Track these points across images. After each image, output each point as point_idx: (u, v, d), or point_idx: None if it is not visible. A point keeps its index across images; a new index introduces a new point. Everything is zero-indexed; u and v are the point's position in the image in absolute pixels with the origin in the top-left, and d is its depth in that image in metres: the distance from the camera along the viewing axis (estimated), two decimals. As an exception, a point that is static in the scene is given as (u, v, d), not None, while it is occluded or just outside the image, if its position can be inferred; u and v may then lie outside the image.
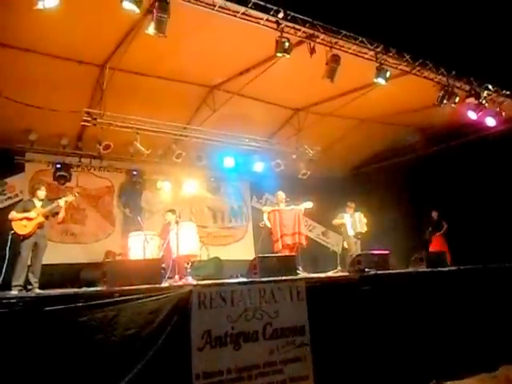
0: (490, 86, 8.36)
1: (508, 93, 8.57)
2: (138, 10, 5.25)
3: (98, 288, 5.12)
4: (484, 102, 8.30)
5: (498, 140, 8.96)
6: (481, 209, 9.14)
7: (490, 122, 8.81)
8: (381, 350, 5.11)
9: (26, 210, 6.32)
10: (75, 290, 5.81)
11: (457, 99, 7.92)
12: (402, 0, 7.11)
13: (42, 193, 6.58)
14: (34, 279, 6.10)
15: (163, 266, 6.08)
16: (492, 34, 7.64)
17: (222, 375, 4.22)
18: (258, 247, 8.05)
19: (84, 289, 5.99)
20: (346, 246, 9.14)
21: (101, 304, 3.88)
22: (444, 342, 5.61)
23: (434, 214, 10.12)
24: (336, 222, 9.16)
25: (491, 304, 6.22)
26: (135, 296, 4.05)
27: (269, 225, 7.73)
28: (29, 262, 6.21)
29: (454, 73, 7.85)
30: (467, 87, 8.17)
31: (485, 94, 8.33)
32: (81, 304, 3.79)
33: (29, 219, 6.24)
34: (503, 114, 8.73)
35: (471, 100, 8.21)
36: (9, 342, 3.44)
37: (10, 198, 9.09)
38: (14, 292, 5.71)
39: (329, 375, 4.70)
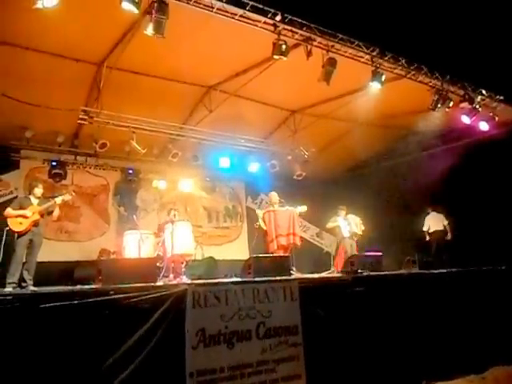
0: (484, 91, 8.47)
1: (501, 98, 8.69)
2: (136, 11, 5.30)
3: (94, 286, 5.14)
4: (478, 106, 8.40)
5: (490, 144, 9.07)
6: (473, 212, 9.24)
7: (483, 126, 8.92)
8: (372, 350, 5.17)
9: (22, 207, 6.31)
10: (70, 287, 5.82)
11: (451, 104, 8.02)
12: (398, 5, 7.19)
13: (39, 190, 6.58)
14: (28, 276, 6.09)
15: (158, 264, 6.13)
16: (486, 40, 7.75)
17: (215, 373, 4.26)
18: (252, 247, 8.09)
19: (79, 286, 6.00)
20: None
21: (96, 302, 3.91)
22: (434, 343, 5.68)
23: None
24: (330, 225, 9.24)
25: (482, 306, 6.31)
26: (130, 294, 4.08)
27: (264, 226, 7.76)
28: (23, 260, 6.20)
29: (448, 77, 7.95)
30: (461, 92, 8.27)
31: (478, 98, 8.44)
32: (76, 301, 3.82)
33: (24, 217, 6.23)
34: (496, 118, 8.85)
35: (465, 105, 8.32)
36: (4, 339, 3.47)
37: (4, 194, 9.07)
38: (9, 289, 5.71)
39: (321, 375, 4.75)
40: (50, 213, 6.54)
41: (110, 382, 3.76)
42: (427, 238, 9.93)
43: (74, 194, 7.14)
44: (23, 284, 6.01)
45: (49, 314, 3.68)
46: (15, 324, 3.54)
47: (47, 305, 3.67)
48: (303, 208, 7.88)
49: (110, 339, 3.87)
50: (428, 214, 10.07)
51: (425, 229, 9.97)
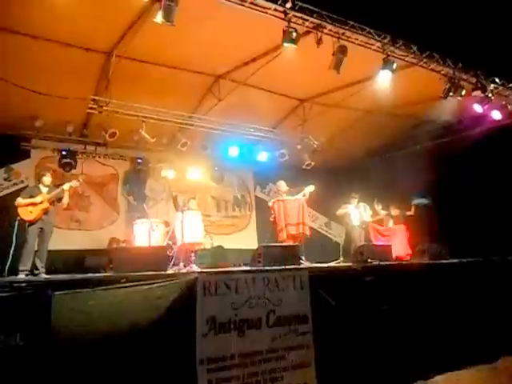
0: (497, 79, 8.34)
1: (514, 86, 8.55)
2: (146, -2, 5.26)
3: (106, 274, 5.19)
4: (490, 95, 8.27)
5: (502, 134, 8.95)
6: (482, 201, 9.16)
7: (496, 115, 8.79)
8: (382, 339, 5.18)
9: (32, 196, 6.38)
10: (83, 275, 5.88)
11: (463, 92, 7.90)
12: (410, -9, 7.07)
13: (47, 179, 6.64)
14: (40, 264, 6.18)
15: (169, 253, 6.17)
16: (499, 27, 7.60)
17: (225, 361, 4.29)
18: (265, 240, 8.12)
19: (91, 274, 6.06)
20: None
21: (108, 289, 3.95)
22: (445, 332, 5.67)
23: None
24: (340, 212, 9.19)
25: (492, 296, 6.27)
26: (142, 282, 4.11)
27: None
28: (35, 248, 6.28)
29: (460, 65, 7.83)
30: (474, 80, 8.13)
31: (491, 87, 8.30)
32: (89, 289, 3.86)
33: (34, 205, 6.30)
34: (509, 107, 8.71)
35: (477, 93, 8.18)
36: (17, 324, 3.52)
37: (15, 184, 9.16)
38: (22, 276, 5.79)
39: (331, 363, 4.77)
40: (59, 200, 6.59)
41: (122, 368, 3.80)
42: None
43: (81, 180, 7.18)
44: (35, 272, 6.10)
45: (62, 301, 3.72)
46: (29, 310, 3.59)
47: (61, 292, 3.70)
48: (311, 188, 7.85)
49: (120, 326, 3.91)
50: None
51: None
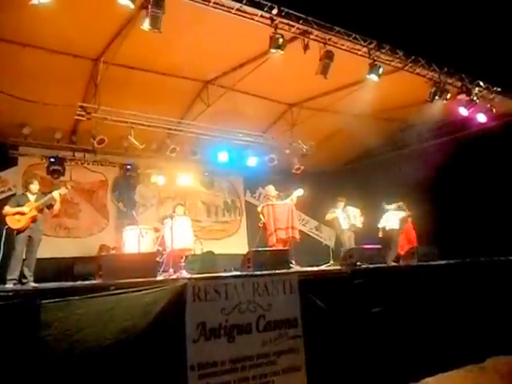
0: (482, 83, 8.47)
1: (499, 89, 8.69)
2: (132, 6, 5.28)
3: (95, 281, 5.17)
4: (475, 98, 8.40)
5: (488, 136, 9.08)
6: (470, 203, 9.27)
7: (481, 118, 8.92)
8: (372, 341, 5.21)
9: (19, 205, 6.31)
10: (71, 283, 5.85)
11: (448, 95, 8.03)
12: (395, -3, 7.17)
13: (34, 187, 6.57)
14: (28, 273, 6.10)
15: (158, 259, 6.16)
16: (484, 32, 7.73)
17: (216, 366, 4.30)
18: (255, 244, 8.13)
19: (79, 282, 6.02)
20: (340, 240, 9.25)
21: (97, 297, 3.93)
22: (434, 334, 5.73)
23: None
24: (328, 217, 9.24)
25: (480, 297, 6.35)
26: (131, 289, 4.10)
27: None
28: (23, 256, 6.22)
29: (445, 69, 7.95)
30: (459, 84, 8.27)
31: (476, 90, 8.44)
32: (77, 297, 3.84)
33: (22, 213, 6.23)
34: (494, 110, 8.85)
35: (462, 96, 8.31)
36: (5, 334, 3.49)
37: (3, 192, 9.09)
38: (9, 285, 5.73)
39: (321, 366, 4.79)
40: (49, 207, 6.53)
41: (112, 377, 3.79)
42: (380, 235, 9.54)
43: (69, 187, 7.12)
44: (23, 280, 6.02)
45: (50, 310, 3.70)
46: (17, 319, 3.56)
47: (49, 300, 3.68)
48: (299, 192, 7.89)
49: (110, 334, 3.89)
50: (387, 210, 9.71)
51: (381, 226, 9.56)
